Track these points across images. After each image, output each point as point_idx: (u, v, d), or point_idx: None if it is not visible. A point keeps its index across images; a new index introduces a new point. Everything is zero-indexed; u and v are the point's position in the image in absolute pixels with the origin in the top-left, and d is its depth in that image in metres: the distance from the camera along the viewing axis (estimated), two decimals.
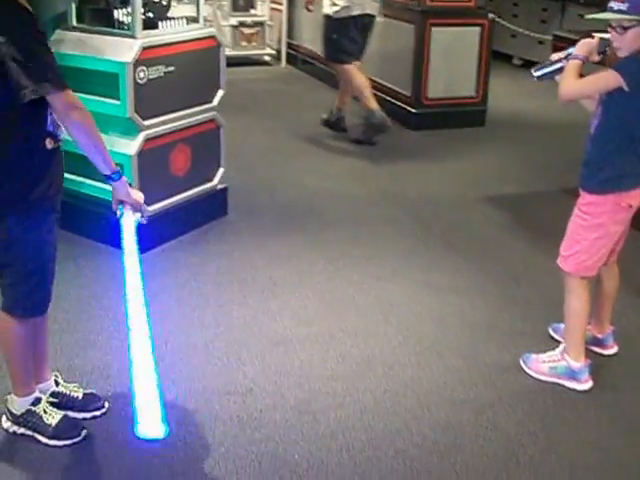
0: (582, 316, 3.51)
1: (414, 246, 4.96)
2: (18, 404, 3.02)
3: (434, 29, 7.48)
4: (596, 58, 3.35)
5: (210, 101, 4.97)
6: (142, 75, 4.38)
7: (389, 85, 8.01)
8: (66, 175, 4.66)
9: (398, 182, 6.17)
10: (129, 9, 4.42)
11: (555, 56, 3.47)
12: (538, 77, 3.53)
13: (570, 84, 3.32)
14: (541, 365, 3.60)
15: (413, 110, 7.67)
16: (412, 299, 4.29)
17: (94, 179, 4.63)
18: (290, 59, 10.57)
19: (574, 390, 3.49)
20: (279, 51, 10.60)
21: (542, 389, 3.51)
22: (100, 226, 4.66)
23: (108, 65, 4.37)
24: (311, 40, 9.87)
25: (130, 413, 2.38)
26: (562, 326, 3.74)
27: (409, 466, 2.98)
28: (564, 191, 5.75)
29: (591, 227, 3.41)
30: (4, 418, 3.09)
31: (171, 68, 4.58)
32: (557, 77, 3.41)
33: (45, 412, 3.02)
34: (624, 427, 3.28)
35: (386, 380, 3.52)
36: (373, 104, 6.83)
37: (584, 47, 3.32)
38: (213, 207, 5.14)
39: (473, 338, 3.92)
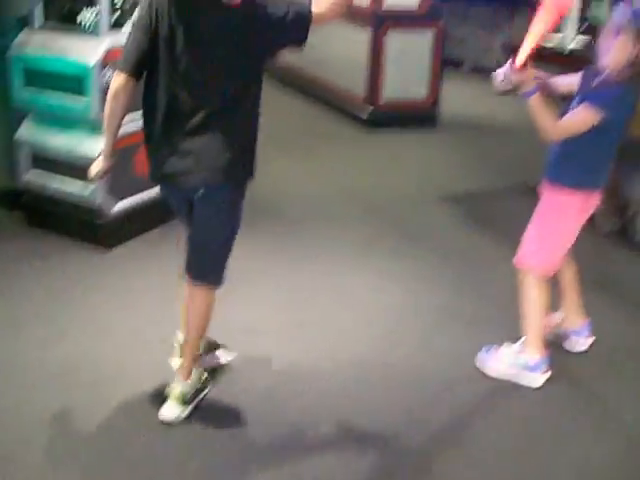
0: (542, 309, 3.59)
1: (373, 240, 5.14)
2: None
3: (389, 33, 7.66)
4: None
5: None
6: (107, 76, 4.45)
7: (344, 86, 8.17)
8: (33, 174, 4.81)
9: (355, 181, 6.33)
10: (95, 10, 4.49)
11: (500, 83, 3.39)
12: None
13: (549, 130, 3.33)
14: (499, 363, 3.66)
15: (368, 111, 7.83)
16: (373, 289, 4.44)
17: (59, 178, 4.71)
18: None
19: (531, 383, 3.58)
20: None
21: (496, 379, 3.66)
22: (66, 224, 4.75)
23: (74, 66, 4.44)
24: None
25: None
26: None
27: (371, 445, 3.15)
28: (513, 189, 5.97)
29: (557, 225, 3.51)
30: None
31: None
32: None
33: None
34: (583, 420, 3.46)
35: (349, 368, 3.66)
36: None
37: (522, 80, 3.29)
38: None
39: (432, 325, 4.09)
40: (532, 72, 3.30)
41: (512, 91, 3.37)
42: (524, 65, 3.25)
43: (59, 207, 4.78)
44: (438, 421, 3.32)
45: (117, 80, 2.94)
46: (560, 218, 3.52)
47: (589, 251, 4.81)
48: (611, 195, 5.08)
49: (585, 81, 3.48)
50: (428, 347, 3.89)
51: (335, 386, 3.52)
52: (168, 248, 4.77)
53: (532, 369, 3.59)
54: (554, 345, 3.81)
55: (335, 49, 8.35)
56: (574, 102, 3.43)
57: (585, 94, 3.38)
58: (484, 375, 3.65)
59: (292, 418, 3.28)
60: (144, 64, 2.91)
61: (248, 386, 3.47)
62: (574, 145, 3.38)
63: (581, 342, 3.88)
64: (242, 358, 3.64)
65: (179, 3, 2.83)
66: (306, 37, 2.93)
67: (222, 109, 2.90)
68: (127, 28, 4.60)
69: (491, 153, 7.26)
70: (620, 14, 3.35)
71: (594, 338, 3.89)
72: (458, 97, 9.01)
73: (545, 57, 5.51)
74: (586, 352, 3.87)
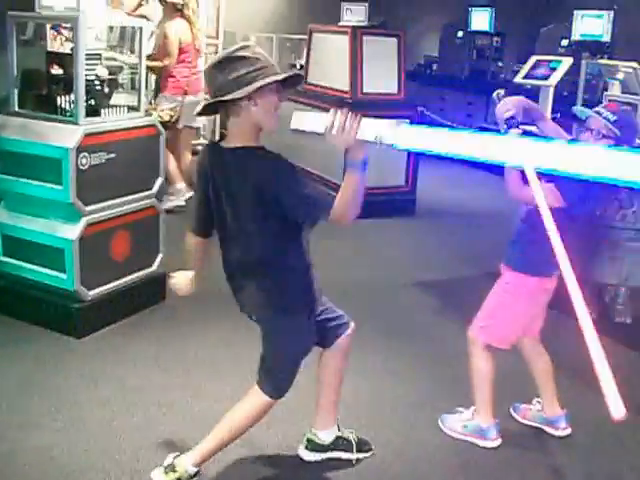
0: (488, 377, 3.73)
1: None
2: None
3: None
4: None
5: (150, 188, 5.07)
6: (84, 161, 4.48)
7: (321, 174, 8.23)
8: (6, 259, 4.78)
9: (331, 268, 6.29)
10: (72, 96, 4.52)
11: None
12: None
13: (520, 192, 3.35)
14: (455, 424, 3.85)
15: None
16: (347, 380, 4.36)
17: (33, 263, 4.68)
18: None
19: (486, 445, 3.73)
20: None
21: (474, 462, 3.64)
22: (39, 310, 4.69)
23: (51, 150, 4.45)
24: None
25: None
26: (522, 406, 4.00)
27: None
28: (489, 275, 5.95)
29: (509, 304, 3.65)
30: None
31: (112, 155, 4.68)
32: None
33: None
34: None
35: (324, 460, 3.57)
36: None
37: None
38: (152, 292, 5.17)
39: (407, 417, 4.03)
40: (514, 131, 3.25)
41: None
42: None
43: (32, 292, 4.72)
44: None
45: (189, 236, 3.30)
46: (513, 298, 3.66)
47: (566, 335, 4.81)
48: (588, 282, 5.13)
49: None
50: (404, 437, 3.84)
51: (312, 476, 3.46)
52: (143, 336, 4.74)
53: (483, 434, 3.75)
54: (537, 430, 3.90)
55: (312, 135, 8.42)
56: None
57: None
58: (462, 461, 3.62)
59: None
60: (206, 221, 3.20)
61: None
62: (531, 227, 3.43)
63: (559, 432, 3.91)
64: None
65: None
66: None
67: (256, 260, 3.12)
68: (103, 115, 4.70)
69: (465, 239, 7.32)
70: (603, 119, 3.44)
71: (569, 430, 3.91)
72: (433, 184, 9.10)
73: None
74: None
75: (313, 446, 3.55)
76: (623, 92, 6.27)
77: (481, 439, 3.76)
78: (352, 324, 3.49)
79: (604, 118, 3.43)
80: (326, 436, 3.54)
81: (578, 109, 3.63)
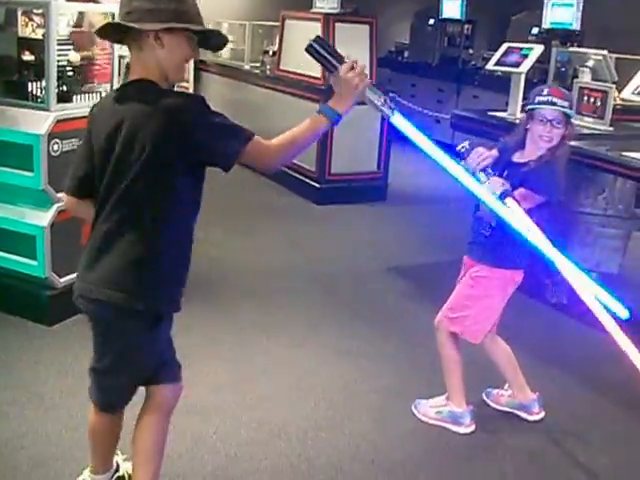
0: (458, 363, 3.78)
1: (322, 315, 5.10)
2: None
3: None
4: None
5: None
6: (56, 147, 4.43)
7: (294, 161, 8.22)
8: None
9: (304, 255, 6.33)
10: (43, 82, 4.47)
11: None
12: None
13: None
14: (428, 409, 3.88)
15: (317, 185, 7.90)
16: (322, 365, 4.40)
17: (3, 250, 4.64)
18: None
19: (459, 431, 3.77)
20: None
21: (448, 448, 3.67)
22: (9, 297, 4.66)
23: (22, 137, 4.40)
24: None
25: None
26: (495, 392, 4.04)
27: None
28: (460, 260, 6.00)
29: (482, 297, 3.69)
30: None
31: None
32: None
33: None
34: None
35: (300, 444, 3.60)
36: None
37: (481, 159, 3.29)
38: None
39: (382, 402, 4.05)
40: (495, 180, 3.23)
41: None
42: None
43: (3, 280, 4.68)
44: None
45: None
46: (489, 293, 3.69)
47: (538, 321, 4.86)
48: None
49: (510, 162, 3.60)
50: (379, 422, 3.85)
51: (286, 463, 3.45)
52: None
53: (457, 420, 3.79)
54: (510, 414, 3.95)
55: (285, 121, 8.42)
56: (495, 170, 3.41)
57: (526, 176, 3.48)
58: (437, 446, 3.65)
59: None
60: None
61: (194, 468, 3.37)
62: (500, 232, 3.47)
63: (533, 416, 3.95)
64: (189, 440, 3.55)
65: None
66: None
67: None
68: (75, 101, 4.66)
69: (437, 224, 7.36)
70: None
71: (543, 414, 3.96)
72: (405, 169, 9.14)
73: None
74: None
75: None
76: (593, 79, 6.32)
77: (455, 425, 3.79)
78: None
79: (561, 107, 3.51)
80: None
81: (530, 108, 3.64)
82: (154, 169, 2.47)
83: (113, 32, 2.56)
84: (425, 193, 8.54)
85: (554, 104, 3.51)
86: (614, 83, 6.24)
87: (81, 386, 3.90)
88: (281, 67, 8.66)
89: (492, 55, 6.94)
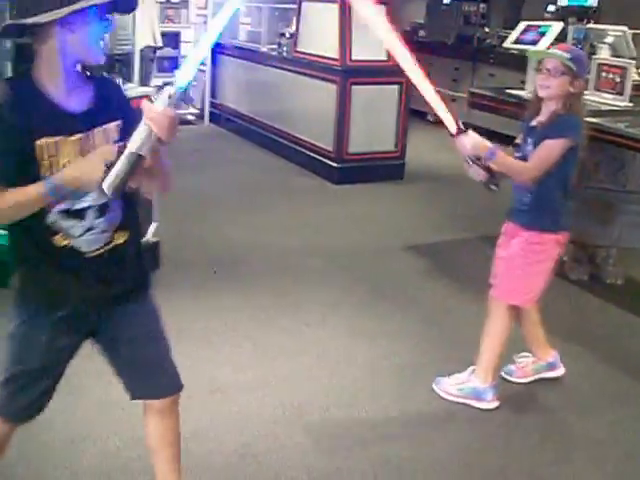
0: (502, 339, 3.77)
1: (341, 294, 5.13)
2: None
3: (354, 87, 7.76)
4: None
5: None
6: None
7: (312, 141, 8.24)
8: None
9: (322, 234, 6.36)
10: None
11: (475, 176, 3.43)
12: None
13: (527, 169, 3.51)
14: (450, 387, 3.88)
15: (335, 165, 7.91)
16: (342, 344, 4.43)
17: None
18: (213, 118, 10.72)
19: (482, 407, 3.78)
20: (202, 110, 10.75)
21: (468, 418, 3.70)
22: None
23: None
24: (234, 99, 10.13)
25: None
26: (515, 367, 4.07)
27: None
28: (479, 238, 6.04)
29: (535, 263, 3.69)
30: None
31: None
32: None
33: None
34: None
35: (323, 422, 3.65)
36: None
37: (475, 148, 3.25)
38: (146, 260, 5.16)
39: (402, 379, 4.08)
40: (473, 137, 3.21)
41: (491, 179, 3.29)
42: (460, 130, 3.10)
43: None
44: (423, 472, 3.30)
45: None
46: (540, 258, 3.68)
47: (559, 298, 4.87)
48: (579, 244, 5.19)
49: (529, 128, 3.66)
50: (400, 399, 3.88)
51: (309, 442, 3.49)
52: None
53: (479, 396, 3.79)
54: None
55: (302, 102, 8.46)
56: (527, 147, 3.59)
57: (542, 132, 3.53)
58: (457, 419, 3.68)
59: (268, 476, 3.23)
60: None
61: (219, 447, 3.42)
62: (544, 190, 3.55)
63: (558, 372, 4.08)
64: (212, 419, 3.61)
65: None
66: None
67: None
68: None
69: (456, 203, 7.35)
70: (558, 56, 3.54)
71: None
72: (423, 148, 9.12)
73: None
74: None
75: None
76: (611, 56, 6.28)
77: (478, 401, 3.79)
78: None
79: (560, 56, 3.52)
80: None
81: (530, 51, 3.70)
82: None
83: (13, 32, 2.22)
84: (443, 172, 8.52)
85: (554, 54, 3.56)
86: (632, 59, 6.21)
87: (104, 368, 3.99)
88: (298, 48, 8.65)
89: (508, 33, 6.92)
